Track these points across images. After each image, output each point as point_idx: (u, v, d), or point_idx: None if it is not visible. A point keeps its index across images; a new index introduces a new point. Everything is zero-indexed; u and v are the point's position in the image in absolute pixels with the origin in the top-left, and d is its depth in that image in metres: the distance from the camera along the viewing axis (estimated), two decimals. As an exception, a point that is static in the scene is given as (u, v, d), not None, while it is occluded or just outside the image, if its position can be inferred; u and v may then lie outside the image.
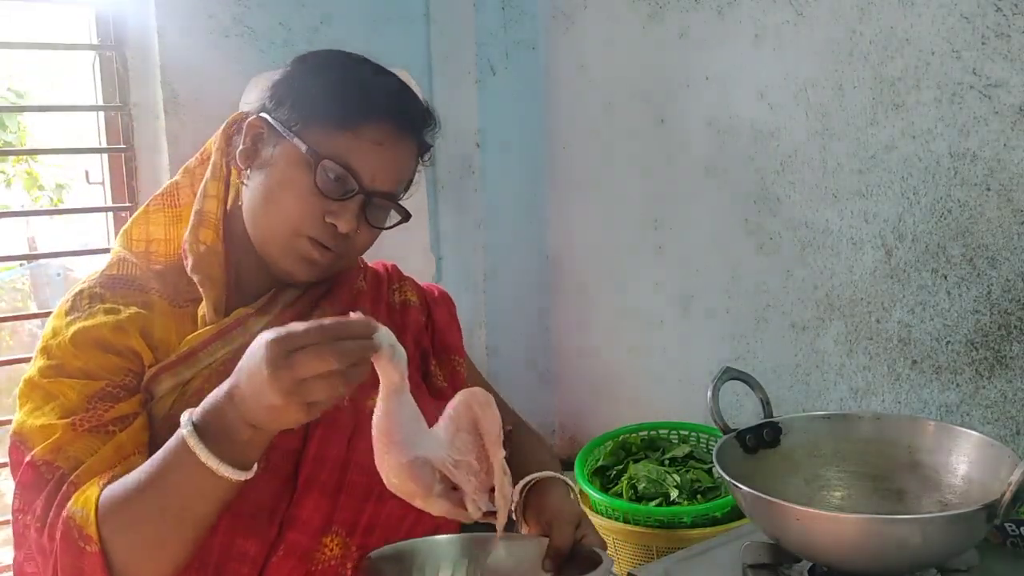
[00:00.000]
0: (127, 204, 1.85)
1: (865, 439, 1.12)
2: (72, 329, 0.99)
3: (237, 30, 1.86)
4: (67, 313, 1.02)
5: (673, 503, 1.47)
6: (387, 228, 1.10)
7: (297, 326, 0.78)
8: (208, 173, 1.11)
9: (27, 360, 1.06)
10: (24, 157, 3.32)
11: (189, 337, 1.03)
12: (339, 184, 1.02)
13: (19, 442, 0.96)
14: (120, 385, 0.99)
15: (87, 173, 1.93)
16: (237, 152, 1.07)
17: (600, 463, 1.62)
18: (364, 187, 1.03)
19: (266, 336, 0.78)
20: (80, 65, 1.90)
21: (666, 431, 1.67)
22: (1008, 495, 0.87)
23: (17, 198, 3.38)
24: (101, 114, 1.84)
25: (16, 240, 2.89)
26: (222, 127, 1.11)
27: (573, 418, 2.09)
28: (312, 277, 1.08)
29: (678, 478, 1.51)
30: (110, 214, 1.88)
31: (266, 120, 1.05)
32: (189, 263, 1.06)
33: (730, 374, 1.12)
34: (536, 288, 2.12)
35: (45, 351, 1.00)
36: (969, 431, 1.05)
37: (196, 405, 0.89)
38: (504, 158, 2.02)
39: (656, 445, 1.65)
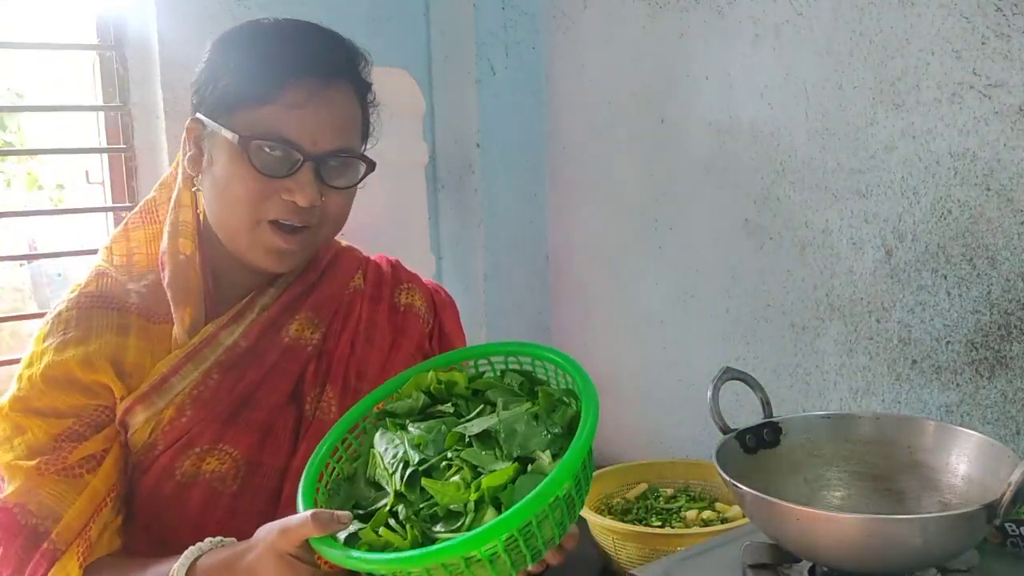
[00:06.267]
0: (127, 204, 1.85)
1: (865, 439, 1.13)
2: (43, 363, 0.98)
3: (237, 30, 1.86)
4: (44, 339, 1.01)
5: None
6: (358, 184, 1.05)
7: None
8: (179, 182, 1.08)
9: (27, 360, 1.06)
10: (24, 157, 3.32)
11: (159, 364, 1.01)
12: (282, 159, 0.98)
13: None
14: (88, 422, 0.98)
15: (87, 173, 1.93)
16: (186, 160, 1.05)
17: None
18: (308, 153, 0.98)
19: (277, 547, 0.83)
20: (80, 65, 1.90)
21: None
22: (1008, 495, 0.87)
23: (17, 198, 3.37)
24: (101, 114, 1.84)
25: (16, 240, 2.88)
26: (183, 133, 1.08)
27: (573, 418, 2.09)
28: (289, 265, 1.05)
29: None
30: (110, 214, 1.88)
31: (198, 119, 1.02)
32: (166, 275, 1.03)
33: (730, 374, 1.12)
34: (536, 288, 2.12)
35: (19, 380, 1.00)
36: (969, 431, 1.06)
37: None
38: (504, 158, 2.02)
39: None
